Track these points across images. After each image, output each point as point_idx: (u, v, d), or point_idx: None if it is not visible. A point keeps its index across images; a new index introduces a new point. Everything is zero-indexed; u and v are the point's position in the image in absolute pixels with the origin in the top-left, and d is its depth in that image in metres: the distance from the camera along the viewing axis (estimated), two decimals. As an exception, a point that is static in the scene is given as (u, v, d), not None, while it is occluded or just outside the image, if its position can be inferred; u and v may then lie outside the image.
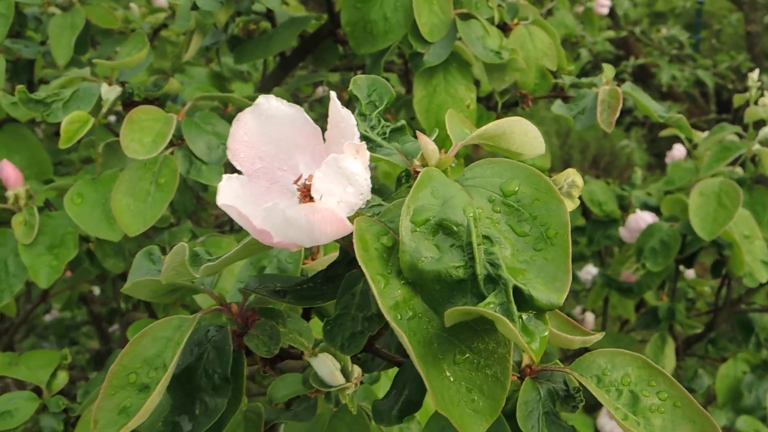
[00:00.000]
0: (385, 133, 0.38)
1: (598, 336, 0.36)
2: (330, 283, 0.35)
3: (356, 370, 0.40)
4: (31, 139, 0.91)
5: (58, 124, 0.64)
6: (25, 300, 1.01)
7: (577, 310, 1.42)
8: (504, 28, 0.76)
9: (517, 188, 0.31)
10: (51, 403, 0.60)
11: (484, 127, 0.36)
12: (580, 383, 0.36)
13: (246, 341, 0.36)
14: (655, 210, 1.09)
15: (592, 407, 1.19)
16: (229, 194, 0.30)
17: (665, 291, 1.13)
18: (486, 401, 0.29)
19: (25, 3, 0.96)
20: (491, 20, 0.74)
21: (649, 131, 3.19)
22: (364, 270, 0.29)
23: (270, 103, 0.32)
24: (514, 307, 0.28)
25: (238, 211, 0.29)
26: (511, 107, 0.78)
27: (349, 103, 0.42)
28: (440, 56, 0.68)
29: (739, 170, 0.98)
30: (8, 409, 0.58)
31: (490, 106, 0.84)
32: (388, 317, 0.28)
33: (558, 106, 0.70)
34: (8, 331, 0.99)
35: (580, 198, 0.37)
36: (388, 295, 0.29)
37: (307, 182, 0.32)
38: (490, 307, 0.28)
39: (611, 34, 2.83)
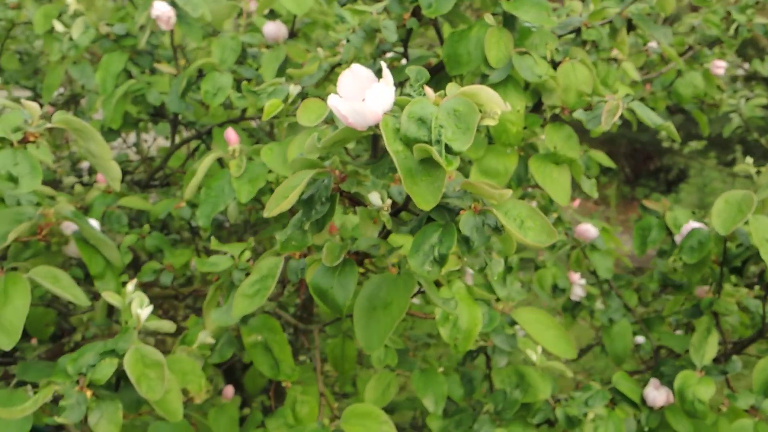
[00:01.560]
0: (417, 92, 0.75)
1: (509, 192, 0.69)
2: (375, 158, 0.72)
3: (387, 201, 0.76)
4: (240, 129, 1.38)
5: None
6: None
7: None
8: (555, 64, 1.10)
9: (460, 108, 0.66)
10: (240, 264, 1.02)
11: (463, 88, 0.72)
12: (498, 217, 0.69)
13: (342, 186, 0.74)
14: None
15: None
16: (333, 101, 0.68)
17: (712, 289, 1.35)
18: (434, 190, 0.64)
19: (249, 44, 1.45)
20: (544, 57, 1.08)
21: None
22: (384, 136, 0.65)
23: (356, 67, 0.70)
24: (443, 150, 0.63)
25: (336, 108, 0.67)
26: (557, 116, 1.10)
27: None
28: (500, 77, 1.04)
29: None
30: (215, 262, 1.01)
31: (543, 116, 1.16)
32: (392, 155, 0.64)
33: (578, 113, 1.02)
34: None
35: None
36: (393, 147, 0.65)
37: (365, 99, 0.69)
38: (435, 149, 0.63)
39: (763, 101, 2.94)
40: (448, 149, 0.64)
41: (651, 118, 1.02)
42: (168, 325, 1.04)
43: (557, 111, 1.09)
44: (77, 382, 0.93)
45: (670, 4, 1.31)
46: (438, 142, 0.64)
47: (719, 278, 1.33)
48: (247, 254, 1.04)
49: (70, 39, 1.52)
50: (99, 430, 0.93)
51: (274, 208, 0.72)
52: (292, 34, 1.49)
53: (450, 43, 1.08)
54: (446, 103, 0.68)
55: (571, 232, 1.70)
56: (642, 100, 2.37)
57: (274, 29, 1.40)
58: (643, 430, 1.33)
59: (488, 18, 1.06)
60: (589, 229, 1.65)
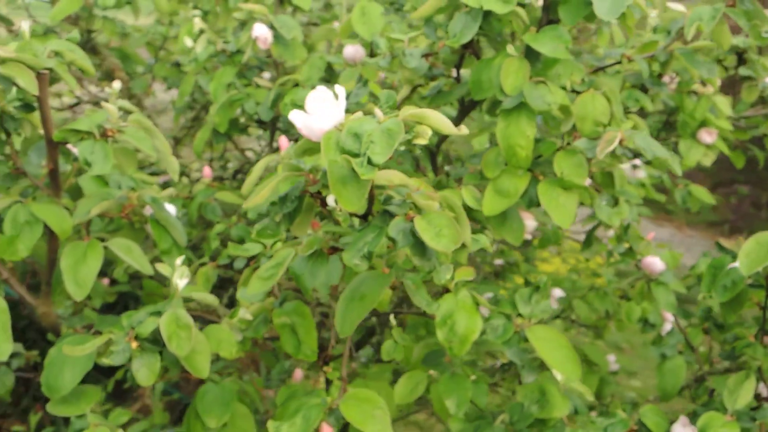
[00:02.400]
0: (386, 112, 0.86)
1: (465, 129, 0.79)
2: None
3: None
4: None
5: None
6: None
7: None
8: (577, 93, 1.15)
9: (393, 127, 0.77)
10: (267, 252, 1.18)
11: (413, 110, 0.82)
12: (416, 224, 0.79)
13: (309, 188, 0.88)
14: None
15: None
16: (292, 115, 0.81)
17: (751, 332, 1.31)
18: (359, 195, 0.76)
19: (334, 63, 1.62)
20: (564, 87, 1.14)
21: None
22: (322, 147, 0.78)
23: (321, 88, 0.83)
24: (365, 162, 0.74)
25: (294, 121, 0.80)
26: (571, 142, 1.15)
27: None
28: (512, 104, 1.11)
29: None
30: (247, 248, 1.18)
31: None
32: (326, 163, 0.77)
33: (580, 142, 1.06)
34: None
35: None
36: (328, 157, 0.77)
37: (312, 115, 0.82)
38: (360, 160, 0.75)
39: None
40: (370, 161, 0.75)
41: (651, 149, 1.04)
42: (211, 299, 1.23)
43: (570, 139, 1.14)
44: (128, 334, 1.14)
45: (726, 37, 1.30)
46: (364, 155, 0.76)
47: (762, 322, 1.29)
48: (279, 245, 1.20)
49: (194, 53, 1.79)
50: (139, 376, 1.13)
51: (251, 202, 0.87)
52: (372, 55, 1.64)
53: (476, 71, 1.17)
54: (386, 123, 0.79)
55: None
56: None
57: (351, 51, 1.56)
58: (666, 466, 1.32)
59: (510, 49, 1.14)
60: (656, 263, 1.64)
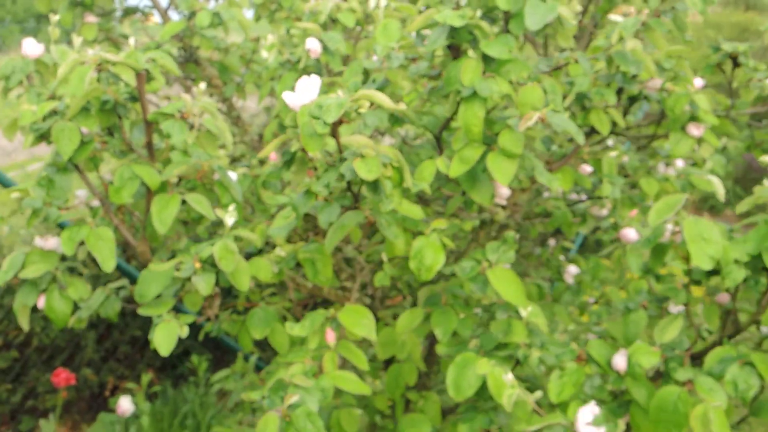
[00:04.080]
0: (350, 94, 1.28)
1: (403, 105, 1.18)
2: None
3: (318, 155, 1.29)
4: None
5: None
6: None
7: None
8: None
9: (342, 102, 1.18)
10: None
11: (363, 92, 1.23)
12: (356, 165, 1.19)
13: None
14: None
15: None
16: (285, 95, 1.24)
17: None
18: (319, 144, 1.17)
19: (370, 68, 2.04)
20: (511, 81, 1.51)
21: None
22: (298, 114, 1.19)
23: (304, 79, 1.24)
24: (323, 122, 1.16)
25: (284, 98, 1.23)
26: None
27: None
28: (468, 93, 1.49)
29: None
30: (278, 199, 1.62)
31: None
32: (300, 124, 1.19)
33: (511, 121, 1.42)
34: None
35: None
36: (301, 120, 1.19)
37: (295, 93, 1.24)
38: (319, 122, 1.16)
39: None
40: (325, 123, 1.16)
41: (561, 125, 1.38)
42: (254, 237, 1.67)
43: (515, 120, 1.50)
44: (193, 257, 1.60)
45: (660, 41, 1.61)
46: (321, 118, 1.17)
47: (688, 272, 1.58)
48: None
49: (268, 63, 2.27)
50: (200, 287, 1.58)
51: (262, 153, 1.31)
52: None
53: (447, 70, 1.56)
54: (338, 99, 1.20)
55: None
56: None
57: (312, 44, 1.98)
58: (606, 389, 1.62)
59: (470, 53, 1.52)
60: (630, 233, 1.94)
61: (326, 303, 2.00)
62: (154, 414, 3.16)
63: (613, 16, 1.60)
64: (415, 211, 1.50)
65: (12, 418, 3.39)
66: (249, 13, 2.76)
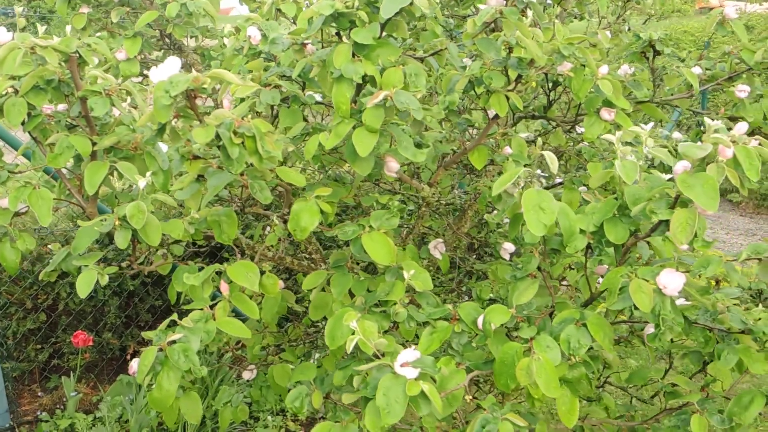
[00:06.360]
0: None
1: (236, 79, 1.39)
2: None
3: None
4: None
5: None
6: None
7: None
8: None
9: (185, 79, 1.39)
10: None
11: (213, 70, 1.44)
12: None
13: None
14: None
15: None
16: (151, 72, 1.46)
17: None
18: (167, 114, 1.40)
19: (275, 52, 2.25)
20: (378, 64, 1.68)
21: None
22: (155, 90, 1.42)
23: (172, 58, 1.47)
24: (168, 95, 1.38)
25: (150, 75, 1.46)
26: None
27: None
28: (337, 74, 1.67)
29: None
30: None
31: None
32: (155, 97, 1.41)
33: (366, 99, 1.60)
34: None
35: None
36: (157, 94, 1.42)
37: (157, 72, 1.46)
38: (165, 95, 1.38)
39: None
40: (170, 95, 1.38)
41: (405, 103, 1.56)
42: (170, 200, 1.91)
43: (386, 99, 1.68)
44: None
45: (524, 30, 1.75)
46: (168, 91, 1.39)
47: (543, 242, 1.72)
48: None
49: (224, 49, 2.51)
50: (118, 241, 1.83)
51: (141, 123, 1.54)
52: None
53: (328, 55, 1.75)
54: (183, 77, 1.42)
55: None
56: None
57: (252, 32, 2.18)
58: (472, 345, 1.78)
59: (345, 39, 1.71)
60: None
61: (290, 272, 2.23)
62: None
63: (481, 6, 1.76)
64: (296, 178, 1.71)
65: (40, 376, 3.78)
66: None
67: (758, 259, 1.54)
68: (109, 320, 3.83)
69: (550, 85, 2.15)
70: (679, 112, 4.57)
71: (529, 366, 1.55)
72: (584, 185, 2.39)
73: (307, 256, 2.43)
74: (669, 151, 1.85)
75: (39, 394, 3.74)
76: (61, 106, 2.08)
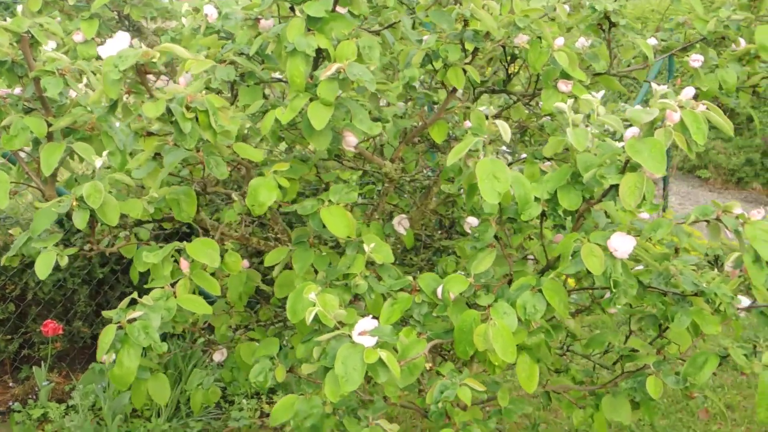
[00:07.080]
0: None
1: (186, 53, 1.39)
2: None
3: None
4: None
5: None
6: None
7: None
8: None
9: (134, 53, 1.39)
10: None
11: (163, 45, 1.44)
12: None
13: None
14: None
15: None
16: (100, 48, 1.46)
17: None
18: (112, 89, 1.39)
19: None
20: (332, 38, 1.69)
21: None
22: (104, 62, 1.41)
23: (121, 33, 1.46)
24: (118, 71, 1.38)
25: (99, 51, 1.45)
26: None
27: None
28: (290, 48, 1.68)
29: None
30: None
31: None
32: (105, 69, 1.41)
33: (321, 72, 1.60)
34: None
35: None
36: (106, 70, 1.41)
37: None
38: (115, 68, 1.38)
39: None
40: (119, 70, 1.38)
41: (358, 75, 1.56)
42: (128, 180, 1.90)
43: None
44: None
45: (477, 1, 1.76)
46: (116, 66, 1.38)
47: (499, 212, 1.75)
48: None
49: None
50: (76, 222, 1.83)
51: (92, 99, 1.53)
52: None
53: (282, 30, 1.75)
54: (136, 51, 1.41)
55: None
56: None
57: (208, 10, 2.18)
58: (434, 316, 1.80)
59: (299, 12, 1.71)
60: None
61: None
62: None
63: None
64: (254, 153, 1.71)
65: (11, 366, 3.75)
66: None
67: (706, 221, 1.57)
68: (79, 309, 3.80)
69: (509, 58, 2.17)
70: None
71: (486, 332, 1.57)
72: (547, 159, 2.42)
73: (274, 236, 2.44)
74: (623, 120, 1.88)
75: (10, 384, 3.71)
76: (18, 90, 2.06)
